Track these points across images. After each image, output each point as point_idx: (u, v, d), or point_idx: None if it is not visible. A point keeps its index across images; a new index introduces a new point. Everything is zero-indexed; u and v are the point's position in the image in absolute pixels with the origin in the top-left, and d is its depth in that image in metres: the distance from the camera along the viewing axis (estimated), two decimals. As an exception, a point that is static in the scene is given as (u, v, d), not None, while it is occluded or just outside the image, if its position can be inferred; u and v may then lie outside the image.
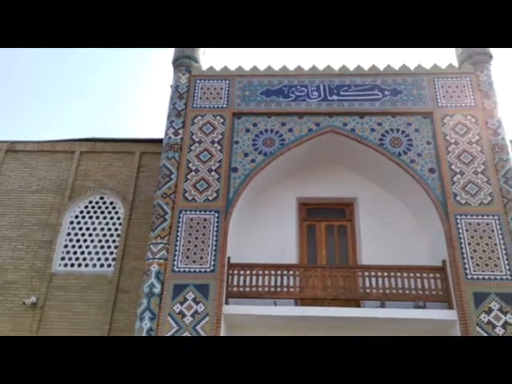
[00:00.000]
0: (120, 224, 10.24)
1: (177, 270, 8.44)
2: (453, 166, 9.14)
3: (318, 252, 10.06)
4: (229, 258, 8.80)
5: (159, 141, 10.29)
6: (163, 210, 8.93)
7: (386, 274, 8.68)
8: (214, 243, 8.64)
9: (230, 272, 8.76)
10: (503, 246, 8.39)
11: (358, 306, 9.07)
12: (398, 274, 8.68)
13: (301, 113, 9.84)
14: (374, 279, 8.67)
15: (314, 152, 10.07)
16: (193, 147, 9.59)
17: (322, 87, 10.10)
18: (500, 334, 7.68)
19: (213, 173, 9.30)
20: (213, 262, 8.47)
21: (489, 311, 7.89)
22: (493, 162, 9.13)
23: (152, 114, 30.43)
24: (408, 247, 9.43)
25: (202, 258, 8.52)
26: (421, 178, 9.14)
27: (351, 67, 10.31)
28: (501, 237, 8.48)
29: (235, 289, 8.63)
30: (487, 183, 8.95)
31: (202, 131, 9.75)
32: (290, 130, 9.70)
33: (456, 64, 10.45)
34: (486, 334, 7.71)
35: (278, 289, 8.61)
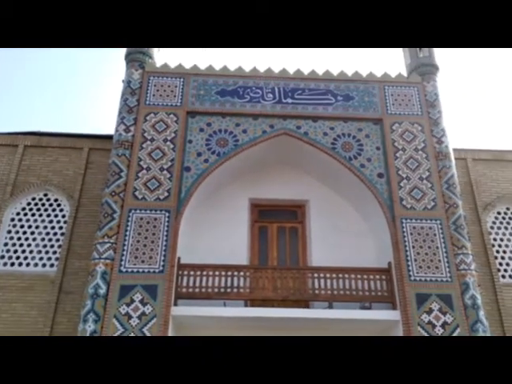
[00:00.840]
0: (65, 222, 9.81)
1: (124, 270, 8.19)
2: (400, 172, 9.46)
3: (269, 253, 10.11)
4: (179, 258, 8.66)
5: (109, 137, 9.98)
6: (111, 208, 8.65)
7: (334, 275, 8.84)
8: (164, 243, 8.47)
9: (180, 273, 8.62)
10: (444, 250, 8.77)
11: (307, 306, 9.19)
12: (346, 276, 8.87)
13: (255, 114, 9.86)
14: (322, 280, 8.81)
15: (268, 154, 10.13)
16: (144, 145, 9.37)
17: (276, 90, 10.18)
18: (439, 334, 8.01)
19: (164, 172, 9.12)
20: (162, 263, 8.30)
21: (429, 312, 8.21)
22: (437, 168, 9.54)
23: (103, 109, 29.52)
24: (356, 249, 9.66)
25: (150, 258, 8.33)
26: (370, 182, 9.40)
27: (306, 71, 10.46)
28: (442, 241, 8.86)
29: (184, 290, 8.49)
30: (431, 189, 9.33)
31: (154, 129, 9.55)
32: (244, 131, 9.69)
33: (405, 73, 10.85)
34: (426, 334, 8.02)
35: (228, 290, 8.56)
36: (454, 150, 10.12)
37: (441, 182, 9.41)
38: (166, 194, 8.91)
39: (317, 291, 8.75)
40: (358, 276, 8.89)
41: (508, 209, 10.47)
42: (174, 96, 9.93)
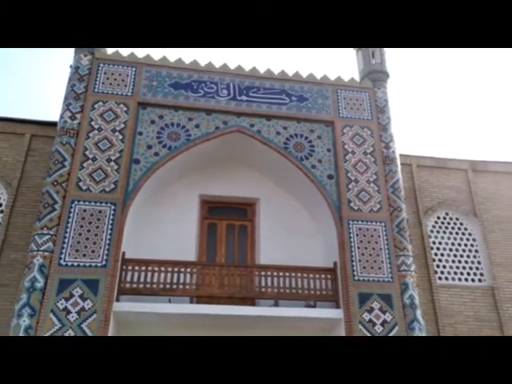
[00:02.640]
0: (1, 212, 9.24)
1: (64, 263, 7.82)
2: (349, 174, 9.68)
3: (217, 250, 10.03)
4: (123, 253, 8.39)
5: (53, 124, 9.51)
6: (52, 198, 8.24)
7: (281, 273, 8.91)
8: (108, 237, 8.17)
9: (124, 268, 8.35)
10: (387, 251, 9.06)
11: (254, 304, 9.20)
12: (293, 274, 8.96)
13: (209, 109, 9.74)
14: (269, 279, 8.85)
15: (220, 150, 10.04)
16: (91, 134, 9.00)
17: (231, 86, 10.11)
18: (379, 332, 8.26)
19: (112, 163, 8.80)
20: (105, 257, 8.00)
21: (371, 310, 8.45)
22: (383, 172, 9.85)
23: (48, 95, 28.20)
24: (304, 249, 9.79)
25: (93, 251, 8.01)
26: (320, 183, 9.54)
27: (261, 70, 10.47)
28: (385, 242, 9.15)
29: (128, 285, 8.24)
30: (377, 192, 9.61)
31: (102, 118, 9.19)
32: (197, 126, 9.55)
33: (358, 78, 11.12)
34: (367, 332, 8.24)
35: (174, 286, 8.40)
36: (400, 155, 10.49)
37: (387, 185, 9.71)
38: (113, 186, 8.61)
39: (263, 289, 8.77)
40: (304, 275, 9.01)
41: (447, 214, 10.99)
42: (125, 85, 9.61)
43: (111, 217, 8.34)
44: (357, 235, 9.12)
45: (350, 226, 9.19)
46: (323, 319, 8.77)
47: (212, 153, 10.01)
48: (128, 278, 8.29)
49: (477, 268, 10.43)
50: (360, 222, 9.26)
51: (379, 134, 10.24)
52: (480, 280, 10.30)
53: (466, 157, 11.76)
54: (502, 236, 10.73)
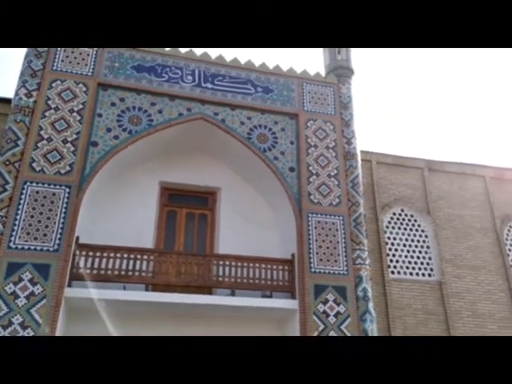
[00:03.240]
0: None
1: (13, 246, 7.51)
2: (310, 168, 9.78)
3: (176, 238, 9.92)
4: (77, 237, 8.15)
5: (7, 101, 9.05)
6: (4, 178, 7.87)
7: (238, 263, 8.93)
8: (62, 221, 7.91)
9: (78, 253, 8.11)
10: (344, 245, 9.25)
11: (210, 293, 9.18)
12: (250, 265, 9.00)
13: (173, 95, 9.55)
14: (227, 268, 8.85)
15: (182, 137, 9.89)
16: (47, 113, 8.63)
17: (197, 73, 9.96)
18: (332, 323, 8.44)
19: (68, 144, 8.49)
20: (58, 241, 7.74)
21: (325, 302, 8.62)
22: (344, 167, 10.01)
23: (3, 70, 26.82)
24: (263, 239, 9.84)
25: (45, 235, 7.72)
26: (281, 175, 9.60)
27: (228, 58, 10.37)
28: (343, 236, 9.33)
29: (81, 271, 8.00)
30: (337, 186, 9.78)
31: (60, 97, 8.83)
32: (160, 112, 9.36)
33: (323, 73, 11.22)
34: (320, 323, 8.41)
35: (130, 273, 8.25)
36: (361, 151, 10.70)
37: (347, 180, 9.89)
38: (68, 168, 8.31)
39: (220, 278, 8.77)
40: (262, 265, 9.07)
41: (402, 210, 11.34)
42: (86, 65, 9.27)
43: (65, 200, 8.07)
44: (315, 228, 9.25)
45: (309, 218, 9.31)
46: (279, 309, 8.87)
47: (174, 140, 9.85)
48: (81, 264, 8.06)
49: (427, 263, 10.84)
50: (319, 215, 9.39)
51: (342, 130, 10.39)
52: (430, 275, 10.72)
53: (423, 156, 12.16)
54: (452, 234, 11.20)
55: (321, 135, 10.21)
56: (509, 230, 11.74)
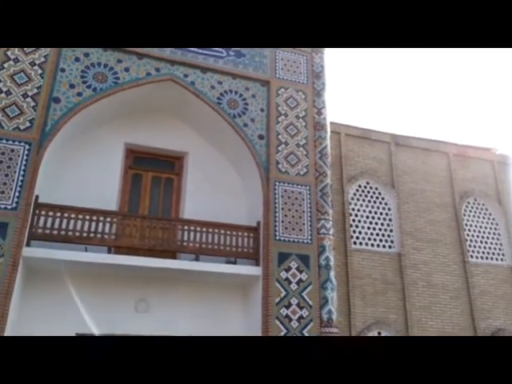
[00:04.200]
0: None
1: (-33, 203, 7.19)
2: (279, 136, 9.74)
3: (140, 202, 9.76)
4: (37, 196, 7.87)
5: (-38, 49, 8.47)
6: (-43, 131, 7.46)
7: (203, 229, 8.90)
8: (21, 178, 7.60)
9: (37, 212, 7.86)
10: (309, 214, 9.36)
11: (175, 258, 9.15)
12: (216, 231, 8.99)
13: (141, 54, 9.18)
14: (192, 233, 8.81)
15: (150, 98, 9.60)
16: (6, 65, 8.15)
17: (167, 32, 9.57)
18: (294, 289, 8.61)
19: (28, 99, 8.08)
20: (16, 199, 7.46)
21: (288, 269, 8.76)
22: (313, 138, 10.02)
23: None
24: (229, 206, 9.82)
25: (3, 192, 7.42)
26: (250, 142, 9.52)
27: (200, 18, 10.01)
28: (309, 206, 9.43)
29: (40, 230, 7.78)
30: (306, 156, 9.80)
31: (20, 49, 8.33)
32: (127, 70, 9.00)
33: (297, 41, 11.04)
34: (282, 289, 8.56)
35: (91, 235, 8.08)
36: (331, 123, 10.71)
37: (315, 151, 9.92)
38: (28, 124, 7.94)
39: (185, 243, 8.74)
40: (227, 232, 9.08)
41: (368, 183, 11.54)
42: (49, 15, 8.74)
43: (25, 157, 7.74)
44: (282, 196, 9.29)
45: (276, 187, 9.33)
46: (242, 275, 8.96)
47: (141, 100, 9.54)
48: (41, 224, 7.82)
49: (388, 236, 11.15)
50: (286, 184, 9.42)
51: (313, 99, 10.35)
52: (390, 247, 11.05)
53: (390, 131, 12.31)
54: (413, 207, 11.52)
55: (292, 104, 10.13)
56: (466, 206, 12.19)
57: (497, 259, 11.83)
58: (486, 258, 11.75)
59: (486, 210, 12.35)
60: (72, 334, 8.18)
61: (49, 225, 7.87)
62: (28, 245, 7.56)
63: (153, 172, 10.09)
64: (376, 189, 11.54)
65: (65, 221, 7.97)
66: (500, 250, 11.96)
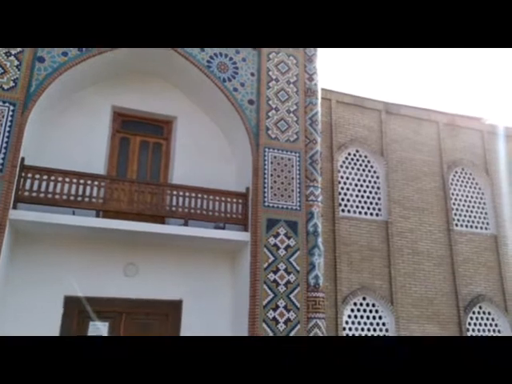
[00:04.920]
0: None
1: (-49, 164, 7.05)
2: (270, 102, 9.61)
3: (128, 166, 9.66)
4: (23, 158, 7.74)
5: None
6: None
7: (192, 194, 8.88)
8: (6, 140, 7.45)
9: (23, 175, 7.74)
10: (298, 181, 9.37)
11: (164, 223, 9.16)
12: (204, 196, 8.98)
13: (129, 12, 8.87)
14: (180, 198, 8.80)
15: (138, 60, 9.35)
16: (-13, 20, 7.82)
17: (156, -10, 9.24)
18: (282, 255, 8.71)
19: (12, 57, 7.82)
20: (1, 161, 7.33)
21: (276, 235, 8.84)
22: (304, 104, 9.91)
23: None
24: (218, 171, 9.79)
25: (-13, 154, 7.28)
26: (240, 107, 9.38)
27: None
28: (298, 172, 9.42)
29: (27, 193, 7.69)
30: (296, 123, 9.71)
31: (1, 3, 7.99)
32: (114, 29, 8.70)
33: (290, 4, 10.75)
34: (270, 255, 8.65)
35: (79, 198, 8.01)
36: (322, 89, 10.58)
37: (306, 117, 9.83)
38: (12, 83, 7.71)
39: (174, 208, 8.72)
40: (216, 197, 9.08)
41: (357, 151, 11.54)
42: (31, -32, 8.35)
43: (9, 118, 7.55)
44: (271, 163, 9.26)
45: (266, 153, 9.28)
46: (231, 241, 9.02)
47: (129, 61, 9.30)
48: (27, 186, 7.72)
49: (376, 204, 11.26)
50: (276, 151, 9.37)
51: (304, 65, 10.17)
52: (377, 214, 11.18)
53: (381, 98, 12.22)
54: (401, 176, 11.59)
55: (283, 69, 9.96)
56: (454, 176, 12.30)
57: (481, 228, 12.06)
58: (471, 226, 11.97)
59: (473, 179, 12.49)
60: (61, 296, 8.25)
61: (36, 188, 7.77)
62: (15, 207, 7.49)
63: (141, 136, 9.95)
64: (365, 157, 11.55)
65: (52, 184, 7.88)
66: (485, 218, 12.18)
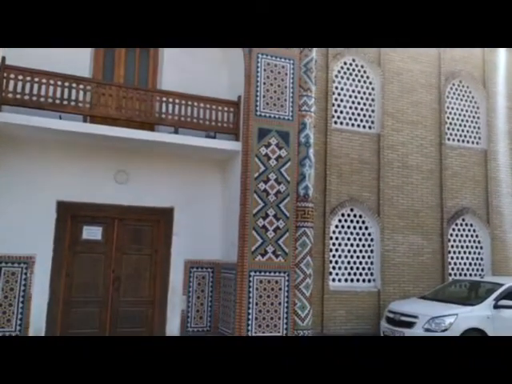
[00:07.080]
0: None
1: None
2: (264, 3, 9.00)
3: (115, 70, 9.26)
4: (3, 58, 7.36)
5: None
6: None
7: (183, 101, 8.65)
8: (-18, 37, 6.98)
9: (5, 75, 7.40)
10: (291, 90, 9.10)
11: (153, 130, 9.01)
12: (195, 104, 8.76)
13: None
14: (170, 105, 8.58)
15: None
16: None
17: None
18: (272, 165, 8.70)
19: None
20: (-20, 60, 6.95)
21: (268, 145, 8.77)
22: (300, 7, 9.31)
23: None
24: (210, 78, 9.44)
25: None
26: (232, 8, 8.80)
27: None
28: (291, 81, 9.12)
29: (11, 95, 7.41)
30: (291, 27, 9.19)
31: None
32: None
33: None
34: (261, 164, 8.64)
35: (65, 102, 7.76)
36: (320, -10, 9.89)
37: (301, 22, 9.29)
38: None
39: (163, 115, 8.54)
40: (207, 105, 8.87)
41: (354, 60, 11.11)
42: None
43: (-16, 12, 7.02)
44: (264, 70, 8.92)
45: (259, 59, 8.90)
46: (222, 150, 8.97)
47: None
48: (11, 88, 7.42)
49: (369, 116, 11.09)
50: (269, 57, 8.99)
51: (302, -38, 9.40)
52: (370, 127, 11.06)
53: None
54: (397, 88, 11.30)
55: (279, -34, 9.20)
56: (451, 88, 12.03)
57: (472, 142, 12.07)
58: (463, 141, 11.97)
59: (470, 92, 12.24)
60: (53, 201, 8.33)
61: (19, 89, 7.47)
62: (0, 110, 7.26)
63: (127, 38, 9.41)
64: (362, 67, 11.16)
65: (36, 86, 7.57)
66: (477, 133, 12.15)
